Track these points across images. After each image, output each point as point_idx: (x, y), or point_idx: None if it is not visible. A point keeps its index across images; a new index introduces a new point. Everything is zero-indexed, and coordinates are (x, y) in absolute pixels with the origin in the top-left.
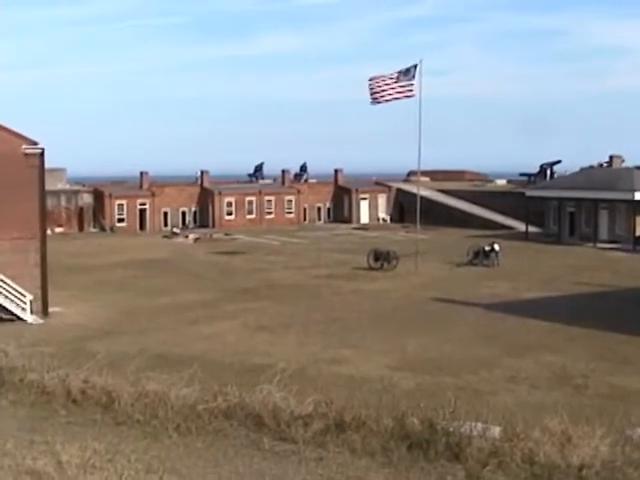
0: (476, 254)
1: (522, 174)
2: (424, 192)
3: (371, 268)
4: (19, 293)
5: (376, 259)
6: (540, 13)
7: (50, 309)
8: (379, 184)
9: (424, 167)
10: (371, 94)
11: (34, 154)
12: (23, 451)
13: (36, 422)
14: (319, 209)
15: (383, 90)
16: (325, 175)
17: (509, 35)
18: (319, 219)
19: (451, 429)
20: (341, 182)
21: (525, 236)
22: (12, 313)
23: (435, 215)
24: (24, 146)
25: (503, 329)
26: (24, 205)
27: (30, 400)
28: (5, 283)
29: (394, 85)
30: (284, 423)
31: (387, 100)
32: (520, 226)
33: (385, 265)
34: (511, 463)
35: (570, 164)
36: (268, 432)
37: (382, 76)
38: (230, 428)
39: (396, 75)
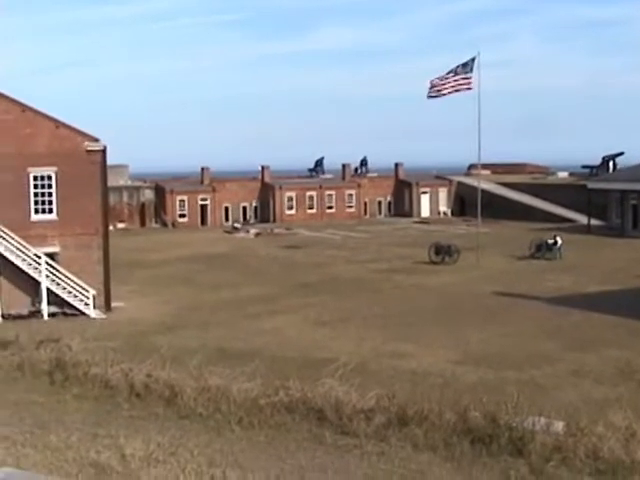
0: (538, 247)
1: (584, 166)
2: (485, 185)
3: (432, 262)
4: (82, 288)
5: (437, 253)
6: (601, 3)
7: (112, 304)
8: (440, 178)
9: (484, 160)
10: (429, 89)
11: (96, 151)
12: (87, 444)
13: (100, 416)
14: (380, 203)
15: (442, 85)
16: (385, 169)
17: (570, 26)
18: (380, 213)
19: (514, 424)
20: (402, 176)
21: (587, 229)
22: (75, 308)
23: (496, 208)
24: (87, 143)
25: (566, 323)
26: (87, 201)
27: (94, 394)
28: (69, 279)
29: (452, 79)
30: (346, 417)
31: (445, 94)
32: (582, 219)
33: (446, 259)
34: (575, 459)
35: (633, 156)
36: (330, 426)
37: (442, 76)
38: (292, 422)
39: (454, 69)
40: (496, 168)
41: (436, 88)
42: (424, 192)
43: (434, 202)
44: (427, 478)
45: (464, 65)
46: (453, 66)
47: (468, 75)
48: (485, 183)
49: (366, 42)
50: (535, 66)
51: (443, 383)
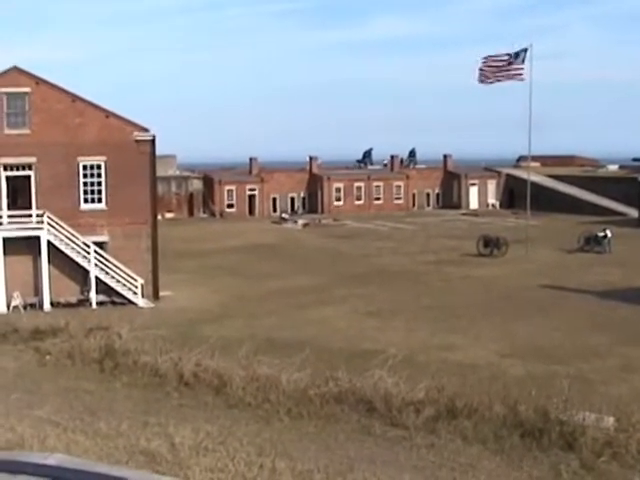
0: (587, 240)
1: (635, 159)
2: (534, 178)
3: (480, 254)
4: (131, 277)
5: (486, 245)
6: None
7: (161, 293)
8: (488, 170)
9: (534, 152)
10: (480, 73)
11: (146, 141)
12: (137, 432)
13: (149, 404)
14: (428, 195)
15: (492, 71)
16: (434, 161)
17: (626, 17)
18: (428, 205)
19: (565, 418)
20: (450, 167)
21: (638, 223)
22: (124, 297)
23: (545, 201)
24: (136, 133)
25: (615, 317)
26: (136, 191)
27: (143, 382)
28: (117, 267)
29: (503, 67)
30: (395, 409)
31: (495, 81)
32: (632, 212)
33: (495, 251)
34: (626, 455)
35: None
36: (379, 417)
37: (494, 56)
38: (341, 413)
39: (506, 58)
40: (545, 160)
41: (487, 74)
42: (473, 184)
43: (483, 194)
44: (477, 471)
45: (516, 55)
46: (505, 51)
47: (520, 65)
48: (534, 175)
49: (419, 32)
50: (588, 58)
51: (491, 376)
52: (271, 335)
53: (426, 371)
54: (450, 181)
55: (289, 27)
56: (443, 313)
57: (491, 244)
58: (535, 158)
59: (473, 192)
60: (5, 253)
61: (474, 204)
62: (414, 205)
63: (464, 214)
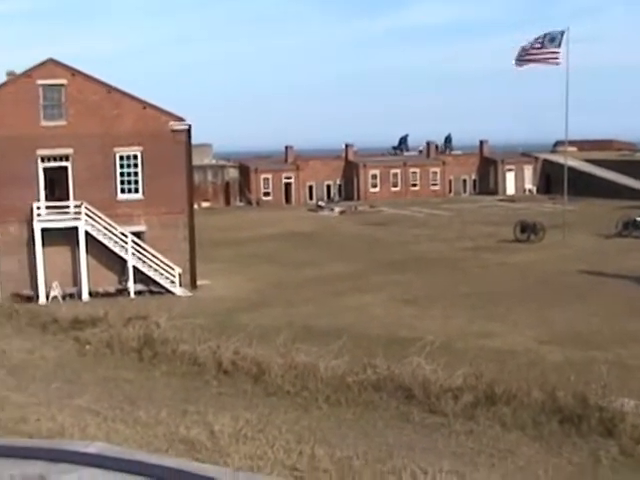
0: (625, 225)
1: None
2: (571, 162)
3: (517, 240)
4: (168, 267)
5: (523, 231)
6: None
7: (198, 282)
8: (525, 155)
9: (571, 137)
10: (516, 57)
11: (181, 130)
12: (177, 420)
13: (189, 392)
14: (464, 181)
15: (529, 54)
16: (470, 146)
17: None
18: (464, 191)
19: (604, 404)
20: (486, 153)
21: None
22: (162, 286)
23: (582, 186)
24: (172, 123)
25: None
26: (172, 181)
27: (182, 371)
28: (155, 257)
29: (539, 51)
30: (434, 395)
31: (531, 63)
32: None
33: (532, 237)
34: None
35: None
36: (418, 404)
37: (532, 41)
38: (380, 400)
39: (542, 42)
40: (583, 145)
41: (524, 56)
42: (509, 169)
43: (519, 179)
44: (516, 457)
45: (552, 39)
46: (541, 34)
47: (556, 49)
48: (571, 160)
49: (456, 17)
50: (626, 41)
51: (529, 362)
52: (308, 323)
53: (464, 358)
54: (486, 167)
55: (327, 15)
56: (480, 300)
57: (528, 230)
58: (572, 143)
59: (510, 178)
60: (44, 244)
61: (511, 190)
62: (450, 191)
63: (501, 200)
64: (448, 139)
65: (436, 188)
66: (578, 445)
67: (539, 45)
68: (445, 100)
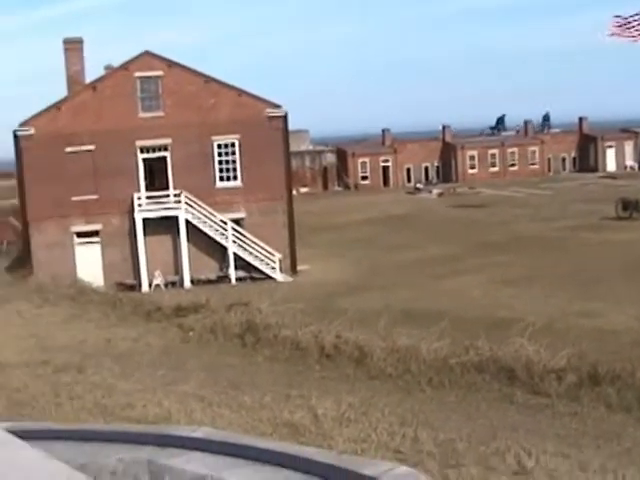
0: (625, 206)
1: None
2: None
3: (619, 218)
4: (268, 253)
5: (625, 208)
6: None
7: (298, 267)
8: (625, 131)
9: None
10: (612, 31)
11: (278, 117)
12: (280, 404)
13: (292, 377)
14: (563, 159)
15: (625, 29)
16: (568, 124)
17: None
18: (564, 169)
19: None
20: (586, 130)
21: None
22: (262, 272)
23: None
24: (268, 110)
25: None
26: (270, 167)
27: (285, 355)
28: (255, 244)
29: (636, 26)
30: (537, 377)
31: (625, 39)
32: None
33: (634, 214)
34: None
35: None
36: (521, 386)
37: (632, 15)
38: (482, 382)
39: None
40: None
41: (619, 32)
42: (609, 146)
43: (620, 156)
44: (621, 439)
45: None
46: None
47: None
48: None
49: None
50: None
51: (632, 342)
52: (408, 306)
53: (566, 338)
54: (586, 144)
55: None
56: (581, 279)
57: (630, 207)
58: None
59: (610, 154)
60: (145, 234)
61: (611, 166)
62: (550, 170)
63: (601, 177)
64: (546, 117)
65: (535, 167)
66: None
67: (636, 21)
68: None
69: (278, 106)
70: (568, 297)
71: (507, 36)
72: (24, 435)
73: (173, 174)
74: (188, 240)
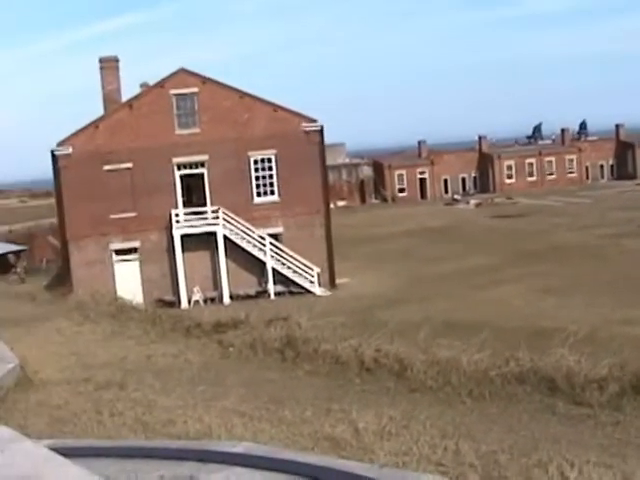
0: None
1: None
2: None
3: None
4: (307, 267)
5: None
6: None
7: (337, 280)
8: None
9: None
10: None
11: (314, 131)
12: (321, 419)
13: (332, 391)
14: (601, 166)
15: None
16: (605, 131)
17: None
18: (602, 177)
19: None
20: (623, 137)
21: None
22: (301, 286)
23: None
24: (304, 124)
25: None
26: (307, 181)
27: (325, 370)
28: (293, 258)
29: None
30: (578, 387)
31: None
32: None
33: None
34: None
35: None
36: (562, 396)
37: None
38: (523, 393)
39: None
40: None
41: None
42: None
43: None
44: None
45: None
46: None
47: None
48: None
49: (574, 3)
50: None
51: None
52: (447, 317)
53: (608, 347)
54: (624, 151)
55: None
56: (623, 287)
57: None
58: None
59: None
60: (184, 250)
61: None
62: (588, 178)
63: (639, 184)
64: (583, 125)
65: (573, 176)
66: None
67: None
68: (575, 85)
69: (314, 120)
70: (610, 305)
71: (539, 44)
72: (66, 452)
73: (210, 190)
74: (226, 256)
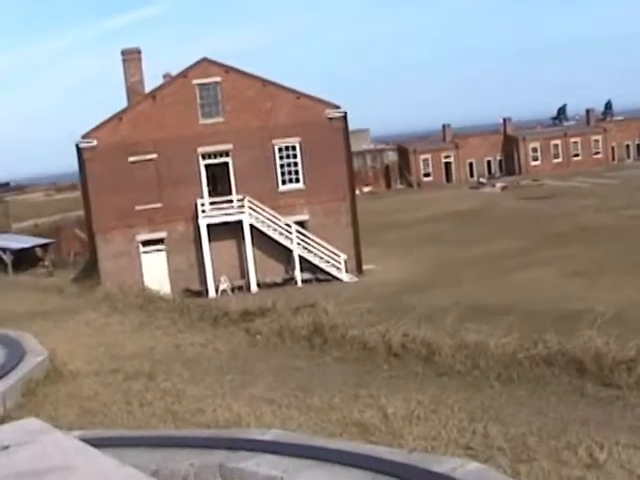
0: None
1: None
2: None
3: None
4: (333, 254)
5: None
6: None
7: (364, 266)
8: None
9: None
10: None
11: (338, 118)
12: (350, 405)
13: (360, 377)
14: (628, 146)
15: None
16: (631, 111)
17: None
18: (628, 157)
19: None
20: None
21: None
22: (328, 273)
23: None
24: (327, 111)
25: None
26: (332, 168)
27: (353, 356)
28: (319, 245)
29: None
30: (607, 368)
31: None
32: None
33: None
34: None
35: None
36: (590, 378)
37: None
38: (552, 375)
39: None
40: None
41: None
42: None
43: None
44: None
45: None
46: None
47: None
48: None
49: None
50: None
51: None
52: (475, 301)
53: (636, 329)
54: None
55: None
56: None
57: None
58: None
59: None
60: (210, 239)
61: None
62: (614, 158)
63: None
64: (608, 105)
65: (599, 156)
66: None
67: None
68: (600, 66)
69: (337, 106)
70: (638, 287)
71: (564, 24)
72: (97, 443)
73: (235, 179)
74: (253, 244)
